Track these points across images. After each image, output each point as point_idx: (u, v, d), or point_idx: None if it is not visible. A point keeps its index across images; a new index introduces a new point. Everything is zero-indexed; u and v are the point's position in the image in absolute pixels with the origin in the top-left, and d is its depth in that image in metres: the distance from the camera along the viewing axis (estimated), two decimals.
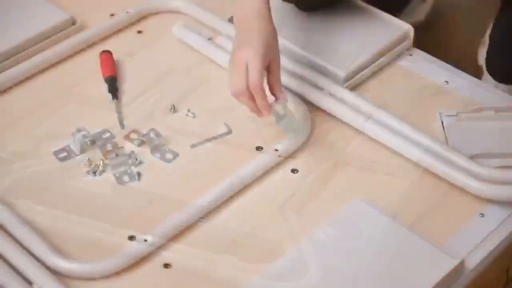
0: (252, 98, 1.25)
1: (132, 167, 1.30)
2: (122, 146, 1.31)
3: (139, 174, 1.29)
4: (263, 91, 1.25)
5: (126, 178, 1.29)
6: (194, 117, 1.39)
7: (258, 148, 1.32)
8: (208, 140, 1.34)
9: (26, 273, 1.14)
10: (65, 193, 1.27)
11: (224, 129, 1.36)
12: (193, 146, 1.33)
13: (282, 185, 1.28)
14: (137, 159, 1.31)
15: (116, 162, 1.29)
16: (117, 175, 1.29)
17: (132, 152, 1.31)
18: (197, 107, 1.41)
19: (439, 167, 1.26)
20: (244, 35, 1.29)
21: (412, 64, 1.47)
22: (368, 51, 1.45)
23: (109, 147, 1.32)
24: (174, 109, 1.39)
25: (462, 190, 1.25)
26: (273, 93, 1.28)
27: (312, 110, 1.38)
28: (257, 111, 1.27)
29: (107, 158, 1.30)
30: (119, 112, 1.39)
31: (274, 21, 1.30)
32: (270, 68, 1.27)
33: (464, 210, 1.24)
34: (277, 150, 1.29)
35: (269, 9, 1.30)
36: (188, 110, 1.39)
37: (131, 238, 1.20)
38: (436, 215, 1.23)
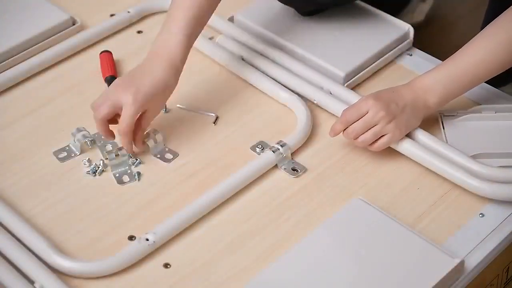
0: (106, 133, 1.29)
1: (132, 167, 1.30)
2: (122, 147, 1.31)
3: (139, 174, 1.29)
4: (130, 135, 1.27)
5: (126, 178, 1.29)
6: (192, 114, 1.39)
7: (258, 148, 1.32)
8: (195, 111, 1.38)
9: (28, 272, 1.14)
10: (65, 193, 1.27)
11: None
12: (179, 106, 1.37)
13: (282, 184, 1.28)
14: (137, 159, 1.31)
15: (116, 162, 1.29)
16: (117, 175, 1.29)
17: (132, 152, 1.31)
18: (197, 106, 1.41)
19: (439, 167, 1.26)
20: (141, 69, 1.29)
21: (412, 64, 1.47)
22: (368, 51, 1.45)
23: (109, 147, 1.32)
24: (165, 108, 1.39)
25: (462, 189, 1.25)
26: (133, 142, 1.29)
27: (312, 110, 1.38)
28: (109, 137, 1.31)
29: (107, 158, 1.30)
30: None
31: (274, 22, 1.29)
32: (141, 116, 1.28)
33: (464, 210, 1.24)
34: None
35: (184, 58, 1.30)
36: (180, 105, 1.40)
37: (131, 238, 1.20)
38: (436, 215, 1.23)
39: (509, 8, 1.26)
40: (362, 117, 1.26)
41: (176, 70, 1.29)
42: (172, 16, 1.31)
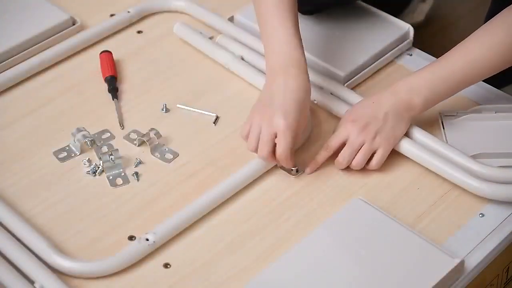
0: (271, 160, 1.26)
1: (126, 170, 1.30)
2: (117, 148, 1.31)
3: (137, 174, 1.29)
4: (290, 160, 1.25)
5: (119, 181, 1.28)
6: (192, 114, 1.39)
7: None
8: (194, 111, 1.39)
9: (28, 272, 1.14)
10: (65, 193, 1.27)
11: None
12: (179, 105, 1.38)
13: (282, 184, 1.28)
14: (137, 159, 1.31)
15: (110, 164, 1.29)
16: (111, 178, 1.29)
17: (125, 155, 1.31)
18: (197, 106, 1.41)
19: (439, 167, 1.26)
20: (277, 92, 1.24)
21: (412, 64, 1.47)
22: (368, 51, 1.45)
23: (104, 149, 1.32)
24: (165, 108, 1.40)
25: (462, 189, 1.25)
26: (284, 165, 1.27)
27: (313, 110, 1.38)
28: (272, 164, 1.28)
29: (101, 160, 1.30)
30: (119, 112, 1.39)
31: None
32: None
33: (464, 210, 1.24)
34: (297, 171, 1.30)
35: (305, 59, 1.27)
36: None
37: (131, 238, 1.20)
38: (436, 215, 1.23)
39: (500, 12, 1.26)
40: (345, 142, 1.26)
41: (306, 73, 1.26)
42: (271, 25, 1.29)
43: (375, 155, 1.27)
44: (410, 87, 1.27)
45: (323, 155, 1.28)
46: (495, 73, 1.27)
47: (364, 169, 1.29)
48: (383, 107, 1.26)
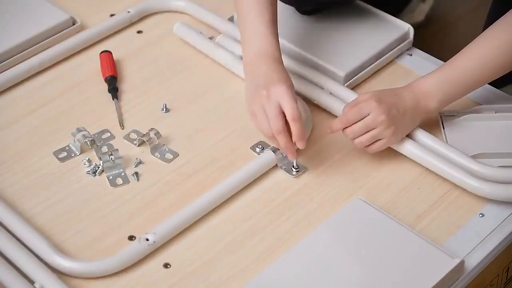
0: (288, 135, 1.24)
1: (126, 170, 1.30)
2: (117, 149, 1.31)
3: (137, 174, 1.29)
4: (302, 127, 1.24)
5: (119, 180, 1.28)
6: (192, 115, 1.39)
7: (258, 148, 1.32)
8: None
9: (28, 272, 1.14)
10: (65, 192, 1.27)
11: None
12: None
13: (282, 184, 1.28)
14: (137, 159, 1.31)
15: (110, 164, 1.29)
16: (111, 178, 1.29)
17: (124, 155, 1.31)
18: (197, 106, 1.41)
19: (440, 167, 1.26)
20: (263, 74, 1.27)
21: (412, 63, 1.47)
22: (368, 51, 1.45)
23: (104, 149, 1.32)
24: (165, 108, 1.39)
25: (462, 189, 1.25)
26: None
27: (312, 109, 1.38)
28: (291, 147, 1.25)
29: (101, 160, 1.30)
30: (119, 112, 1.39)
31: None
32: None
33: (464, 210, 1.24)
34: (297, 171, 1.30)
35: (280, 54, 1.30)
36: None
37: (131, 238, 1.20)
38: (436, 215, 1.23)
39: (509, 11, 1.26)
40: (362, 118, 1.26)
41: (281, 61, 1.30)
42: (250, 21, 1.32)
43: (378, 142, 1.27)
44: (425, 91, 1.28)
45: (337, 125, 1.27)
46: (506, 73, 1.28)
47: (364, 169, 1.29)
48: (405, 104, 1.27)
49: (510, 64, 1.27)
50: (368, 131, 1.26)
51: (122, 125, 1.37)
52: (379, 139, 1.27)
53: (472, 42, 1.29)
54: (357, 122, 1.26)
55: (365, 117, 1.25)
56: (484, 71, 1.27)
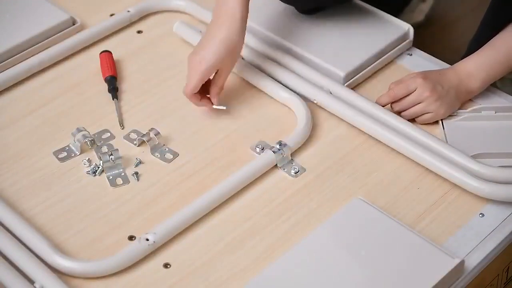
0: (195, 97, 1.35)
1: (126, 170, 1.30)
2: (117, 149, 1.31)
3: (137, 174, 1.29)
4: (196, 99, 1.35)
5: (119, 180, 1.28)
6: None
7: (258, 148, 1.32)
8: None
9: (28, 272, 1.14)
10: (65, 192, 1.27)
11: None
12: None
13: (282, 184, 1.28)
14: (137, 159, 1.31)
15: (109, 164, 1.29)
16: (111, 178, 1.29)
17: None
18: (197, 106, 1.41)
19: (440, 167, 1.26)
20: (208, 36, 1.33)
21: (412, 64, 1.47)
22: (368, 51, 1.45)
23: (104, 149, 1.32)
24: (166, 108, 1.39)
25: (462, 189, 1.25)
26: (211, 98, 1.36)
27: (312, 110, 1.38)
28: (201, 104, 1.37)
29: (101, 160, 1.29)
30: (119, 112, 1.39)
31: (274, 22, 1.29)
32: (215, 75, 1.34)
33: (464, 210, 1.24)
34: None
35: (244, 12, 1.32)
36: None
37: (131, 238, 1.20)
38: (436, 215, 1.23)
39: None
40: (409, 93, 1.33)
41: (238, 27, 1.32)
42: None
43: (426, 115, 1.34)
44: (469, 71, 1.34)
45: (385, 100, 1.36)
46: None
47: (364, 169, 1.29)
48: (449, 82, 1.34)
49: None
50: (415, 105, 1.33)
51: (122, 125, 1.37)
52: (427, 112, 1.33)
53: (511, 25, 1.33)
54: (404, 97, 1.34)
55: (412, 93, 1.33)
56: None
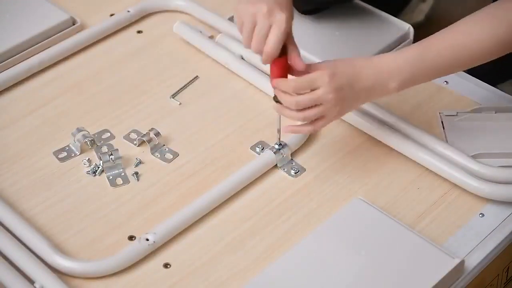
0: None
1: (126, 170, 1.30)
2: (117, 149, 1.31)
3: (137, 174, 1.29)
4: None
5: (119, 180, 1.28)
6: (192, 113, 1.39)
7: (258, 148, 1.32)
8: (183, 87, 1.40)
9: (28, 272, 1.14)
10: (65, 193, 1.27)
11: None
12: (173, 96, 1.37)
13: (282, 184, 1.28)
14: (137, 159, 1.31)
15: (110, 164, 1.29)
16: (111, 178, 1.29)
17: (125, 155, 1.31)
18: (197, 106, 1.41)
19: (439, 167, 1.26)
20: None
21: None
22: (368, 51, 1.45)
23: (104, 149, 1.32)
24: (166, 108, 1.39)
25: (462, 189, 1.25)
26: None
27: None
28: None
29: (101, 160, 1.29)
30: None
31: None
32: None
33: (464, 210, 1.24)
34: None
35: None
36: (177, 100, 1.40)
37: (131, 238, 1.20)
38: (436, 215, 1.23)
39: (490, 5, 1.21)
40: (312, 90, 1.17)
41: None
42: None
43: (320, 120, 1.19)
44: (390, 69, 1.18)
45: (283, 86, 1.18)
46: (478, 64, 1.21)
47: (364, 169, 1.29)
48: (362, 83, 1.18)
49: (485, 56, 1.19)
50: (315, 105, 1.18)
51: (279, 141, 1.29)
52: (322, 117, 1.19)
53: (449, 26, 1.21)
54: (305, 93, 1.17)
55: (315, 90, 1.17)
56: (459, 61, 1.19)
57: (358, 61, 1.19)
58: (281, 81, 1.18)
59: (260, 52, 1.18)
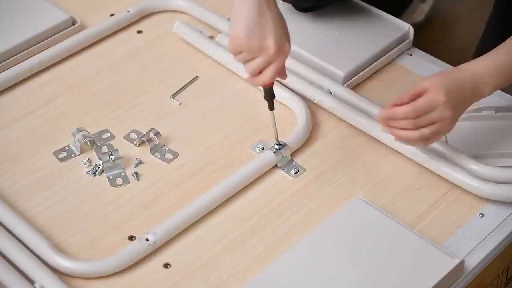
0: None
1: (126, 170, 1.30)
2: (117, 149, 1.31)
3: (137, 174, 1.29)
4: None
5: (119, 180, 1.28)
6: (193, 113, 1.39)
7: (258, 148, 1.32)
8: (183, 87, 1.39)
9: (28, 272, 1.14)
10: (65, 193, 1.27)
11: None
12: (173, 96, 1.37)
13: (282, 184, 1.28)
14: (137, 159, 1.31)
15: (110, 164, 1.29)
16: (111, 178, 1.29)
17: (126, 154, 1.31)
18: (197, 106, 1.41)
19: (439, 167, 1.26)
20: (268, 16, 1.18)
21: (412, 64, 1.47)
22: (368, 51, 1.45)
23: (104, 149, 1.32)
24: (166, 108, 1.39)
25: (462, 189, 1.25)
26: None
27: (312, 110, 1.38)
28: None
29: (101, 160, 1.29)
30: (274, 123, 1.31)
31: None
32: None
33: (464, 210, 1.24)
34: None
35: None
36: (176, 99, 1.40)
37: (131, 238, 1.20)
38: (436, 215, 1.23)
39: None
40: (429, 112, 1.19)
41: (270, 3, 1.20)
42: None
43: (435, 136, 1.21)
44: (484, 76, 1.21)
45: (402, 115, 1.19)
46: None
47: (364, 169, 1.29)
48: (468, 97, 1.21)
49: None
50: (431, 124, 1.19)
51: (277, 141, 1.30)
52: (438, 134, 1.21)
53: None
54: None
55: (431, 111, 1.18)
56: None
57: (457, 74, 1.22)
58: (397, 110, 1.19)
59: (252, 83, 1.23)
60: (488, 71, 1.21)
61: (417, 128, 1.19)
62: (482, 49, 1.36)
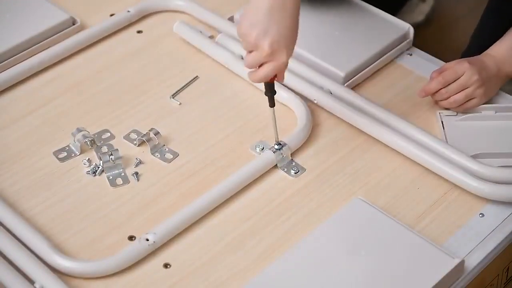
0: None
1: (126, 170, 1.30)
2: (117, 149, 1.31)
3: (137, 174, 1.29)
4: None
5: (119, 181, 1.28)
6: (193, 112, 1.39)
7: (258, 148, 1.32)
8: (183, 87, 1.39)
9: (28, 272, 1.14)
10: (65, 193, 1.27)
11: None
12: (173, 96, 1.37)
13: (282, 184, 1.28)
14: (137, 159, 1.31)
15: (110, 164, 1.29)
16: (111, 178, 1.29)
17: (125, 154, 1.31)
18: (197, 106, 1.41)
19: (439, 167, 1.26)
20: (270, 12, 1.15)
21: (412, 63, 1.47)
22: (368, 51, 1.45)
23: (104, 149, 1.32)
24: (166, 108, 1.39)
25: (462, 189, 1.25)
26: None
27: (312, 110, 1.38)
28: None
29: (101, 160, 1.30)
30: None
31: None
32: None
33: (464, 210, 1.24)
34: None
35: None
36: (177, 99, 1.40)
37: (131, 238, 1.20)
38: (436, 215, 1.23)
39: None
40: (458, 78, 1.32)
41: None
42: None
43: (472, 101, 1.34)
44: (504, 57, 1.34)
45: (435, 86, 1.34)
46: None
47: (364, 169, 1.29)
48: (491, 70, 1.34)
49: None
50: (462, 90, 1.32)
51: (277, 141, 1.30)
52: (472, 98, 1.33)
53: None
54: (451, 83, 1.33)
55: (460, 77, 1.32)
56: None
57: (477, 57, 1.36)
58: (430, 84, 1.34)
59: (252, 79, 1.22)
60: (507, 52, 1.34)
61: (453, 94, 1.33)
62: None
